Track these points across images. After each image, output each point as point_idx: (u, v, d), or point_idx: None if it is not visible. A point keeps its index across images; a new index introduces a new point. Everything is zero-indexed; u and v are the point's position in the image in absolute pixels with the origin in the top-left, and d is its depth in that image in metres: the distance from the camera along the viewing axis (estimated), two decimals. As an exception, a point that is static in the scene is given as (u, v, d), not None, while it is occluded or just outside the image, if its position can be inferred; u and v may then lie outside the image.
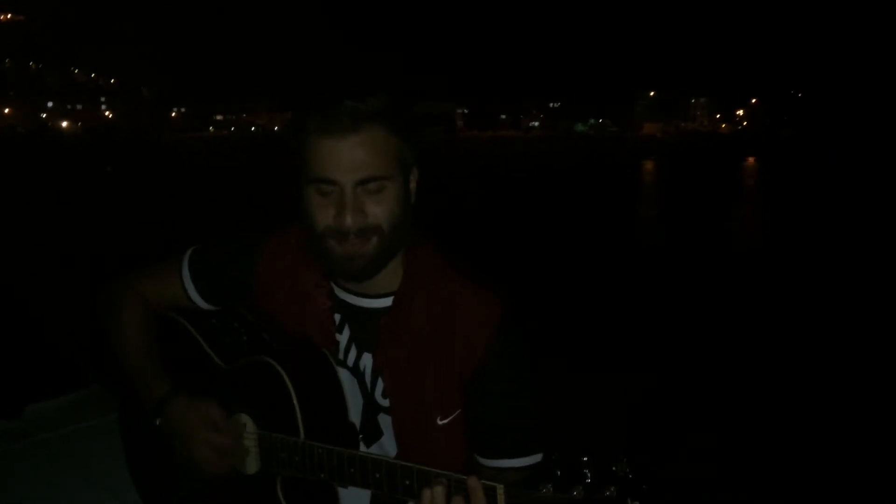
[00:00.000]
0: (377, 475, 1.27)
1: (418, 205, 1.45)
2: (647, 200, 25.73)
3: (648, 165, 46.35)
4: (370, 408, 1.50)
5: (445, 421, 1.43)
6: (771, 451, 4.41)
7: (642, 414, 4.85)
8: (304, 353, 1.48)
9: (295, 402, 1.39)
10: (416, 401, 1.43)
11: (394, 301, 1.45)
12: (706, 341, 6.76)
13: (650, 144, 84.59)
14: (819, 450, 4.38)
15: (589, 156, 56.32)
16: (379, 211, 1.34)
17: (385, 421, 1.48)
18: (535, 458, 1.40)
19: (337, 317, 1.50)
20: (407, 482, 1.23)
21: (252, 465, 1.47)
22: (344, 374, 1.49)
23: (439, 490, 1.17)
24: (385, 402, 1.47)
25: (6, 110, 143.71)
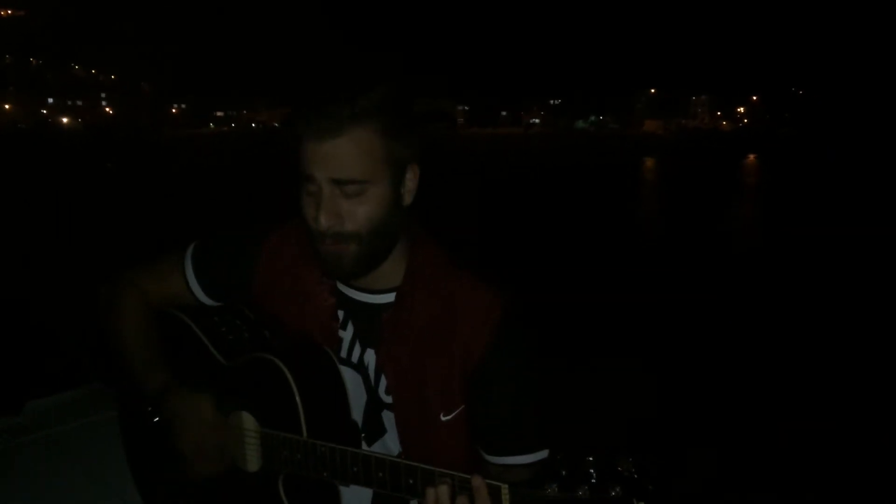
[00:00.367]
0: (380, 474, 1.26)
1: (420, 200, 1.44)
2: (648, 198, 25.74)
3: (649, 163, 46.35)
4: (373, 404, 1.49)
5: (448, 417, 1.42)
6: (773, 450, 4.41)
7: (643, 414, 4.85)
8: (307, 351, 1.47)
9: (298, 400, 1.37)
10: (418, 397, 1.42)
11: (396, 297, 1.44)
12: (706, 340, 6.76)
13: (651, 142, 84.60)
14: (821, 449, 4.38)
15: (589, 153, 56.31)
16: (358, 215, 1.32)
17: (388, 418, 1.48)
18: (542, 455, 1.39)
19: (340, 313, 1.49)
20: (410, 481, 1.22)
21: (253, 463, 1.47)
22: (347, 371, 1.48)
23: (444, 489, 1.16)
24: (388, 399, 1.46)
25: (7, 106, 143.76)
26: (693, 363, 6.10)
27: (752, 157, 50.87)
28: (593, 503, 1.00)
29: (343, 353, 1.49)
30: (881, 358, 6.11)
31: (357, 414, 1.49)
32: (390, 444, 1.50)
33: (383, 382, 1.46)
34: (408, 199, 1.40)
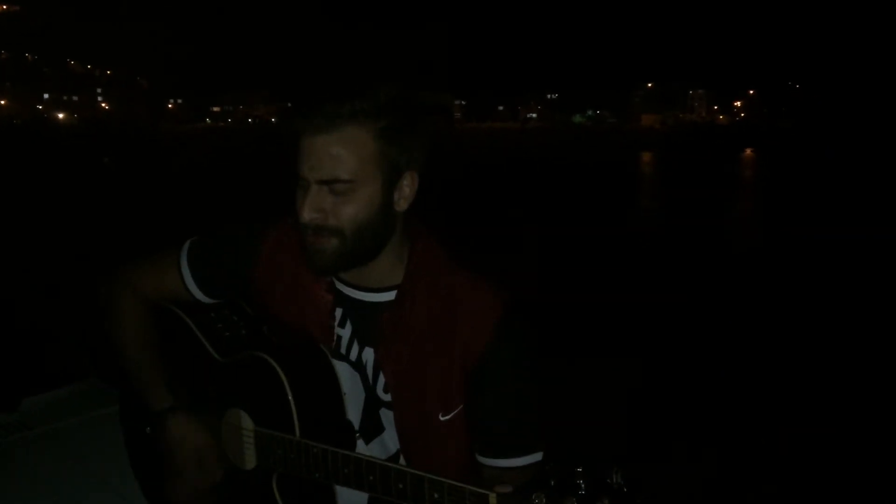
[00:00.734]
0: (371, 477, 1.26)
1: (419, 198, 1.43)
2: (646, 192, 25.73)
3: (646, 157, 46.28)
4: (372, 403, 1.48)
5: (447, 416, 1.42)
6: (773, 450, 4.40)
7: (642, 414, 4.84)
8: (303, 349, 1.46)
9: (291, 399, 1.37)
10: (417, 396, 1.42)
11: (396, 296, 1.44)
12: (706, 340, 6.74)
13: (648, 136, 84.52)
14: (819, 451, 4.35)
15: (587, 147, 56.25)
16: (343, 213, 1.32)
17: (387, 416, 1.47)
18: (536, 457, 1.39)
19: (339, 311, 1.49)
20: (400, 486, 1.22)
21: (250, 461, 1.47)
22: (345, 369, 1.47)
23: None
24: (387, 398, 1.46)
25: (2, 102, 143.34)
26: (693, 363, 6.08)
27: (749, 151, 50.84)
28: None
29: (342, 351, 1.49)
30: (881, 358, 6.10)
31: (355, 412, 1.48)
32: (388, 442, 1.49)
33: (381, 380, 1.46)
34: (402, 205, 1.39)
